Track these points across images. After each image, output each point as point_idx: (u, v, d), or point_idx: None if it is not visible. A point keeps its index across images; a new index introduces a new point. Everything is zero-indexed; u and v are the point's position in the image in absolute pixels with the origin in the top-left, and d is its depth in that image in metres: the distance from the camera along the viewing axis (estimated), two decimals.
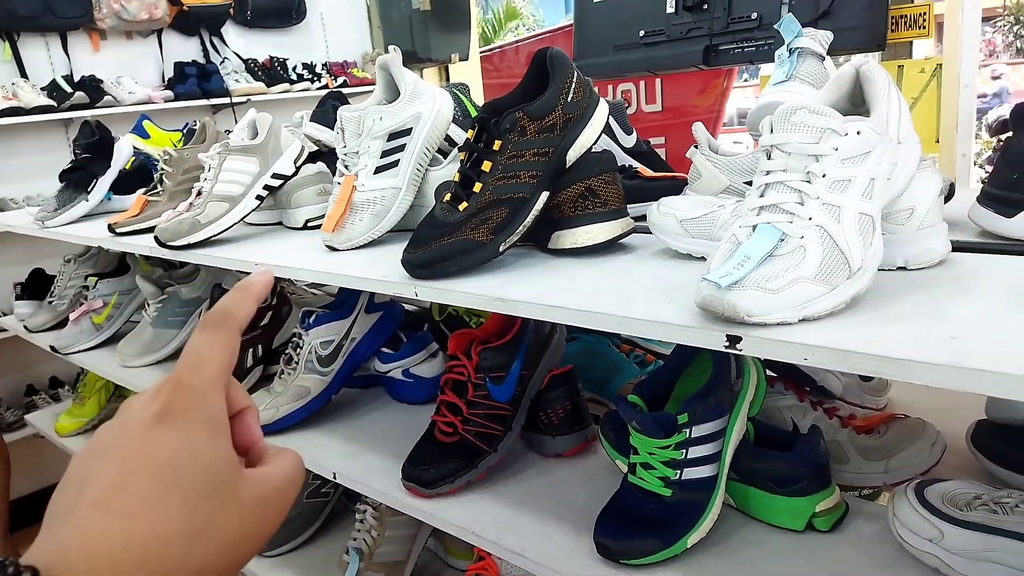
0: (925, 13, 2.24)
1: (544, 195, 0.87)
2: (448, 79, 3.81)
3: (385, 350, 1.25)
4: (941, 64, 2.21)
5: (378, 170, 1.06)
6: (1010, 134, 0.77)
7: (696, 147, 0.95)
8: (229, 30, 3.33)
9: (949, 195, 0.85)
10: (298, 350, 1.19)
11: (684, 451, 0.80)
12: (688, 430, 0.80)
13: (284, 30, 3.45)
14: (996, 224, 0.76)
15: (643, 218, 0.88)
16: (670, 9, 2.57)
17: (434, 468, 0.96)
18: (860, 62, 0.68)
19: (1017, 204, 0.74)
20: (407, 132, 1.08)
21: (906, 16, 2.22)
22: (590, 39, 2.75)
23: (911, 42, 2.31)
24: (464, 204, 0.86)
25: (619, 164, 1.16)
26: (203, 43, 3.26)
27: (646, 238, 0.93)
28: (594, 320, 0.68)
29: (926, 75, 2.21)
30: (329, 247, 1.03)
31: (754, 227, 0.63)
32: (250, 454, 0.36)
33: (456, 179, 0.89)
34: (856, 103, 0.70)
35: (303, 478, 0.36)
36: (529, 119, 0.86)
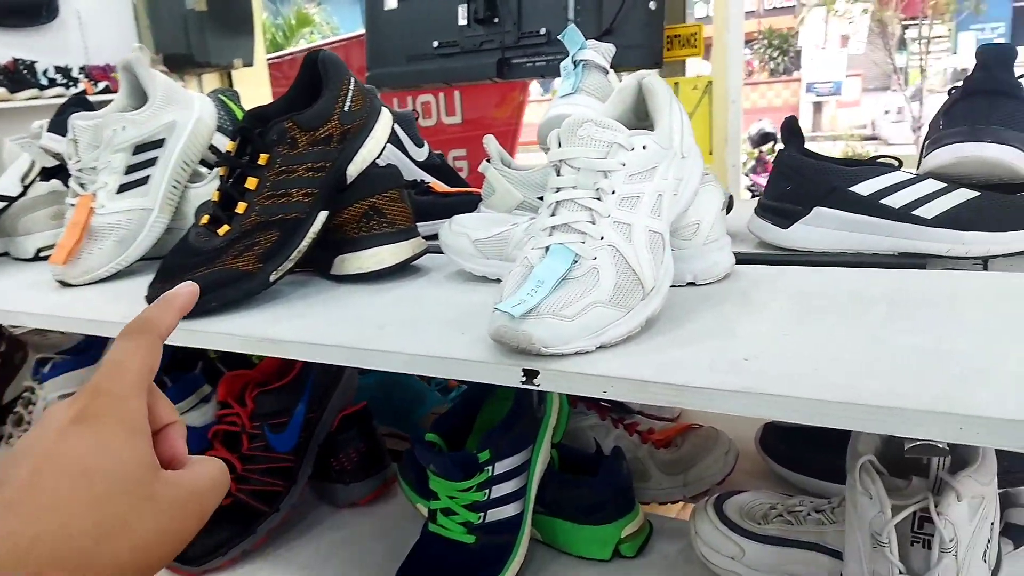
0: (696, 33, 2.39)
1: (322, 215, 0.77)
2: (232, 86, 3.55)
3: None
4: (711, 82, 2.38)
5: (122, 188, 0.91)
6: (780, 147, 0.79)
7: (488, 161, 0.90)
8: None
9: (728, 208, 0.86)
10: (30, 407, 0.99)
11: (487, 491, 0.74)
12: (490, 468, 0.74)
13: (32, 29, 3.02)
14: (774, 235, 0.78)
15: (437, 237, 0.82)
16: (462, 21, 2.55)
17: (201, 540, 0.83)
18: (642, 75, 0.66)
19: (791, 215, 0.76)
20: (159, 143, 0.93)
21: (680, 36, 2.36)
22: (383, 48, 2.66)
23: (684, 60, 2.47)
24: (225, 228, 0.74)
25: (410, 179, 1.09)
26: None
27: (439, 259, 0.86)
28: (377, 360, 0.60)
29: (699, 92, 2.36)
30: (61, 282, 0.86)
31: (547, 248, 0.58)
32: (172, 468, 0.35)
33: (215, 198, 0.77)
34: (640, 116, 0.68)
35: (226, 485, 0.36)
36: (300, 130, 0.76)
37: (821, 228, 0.75)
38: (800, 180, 0.76)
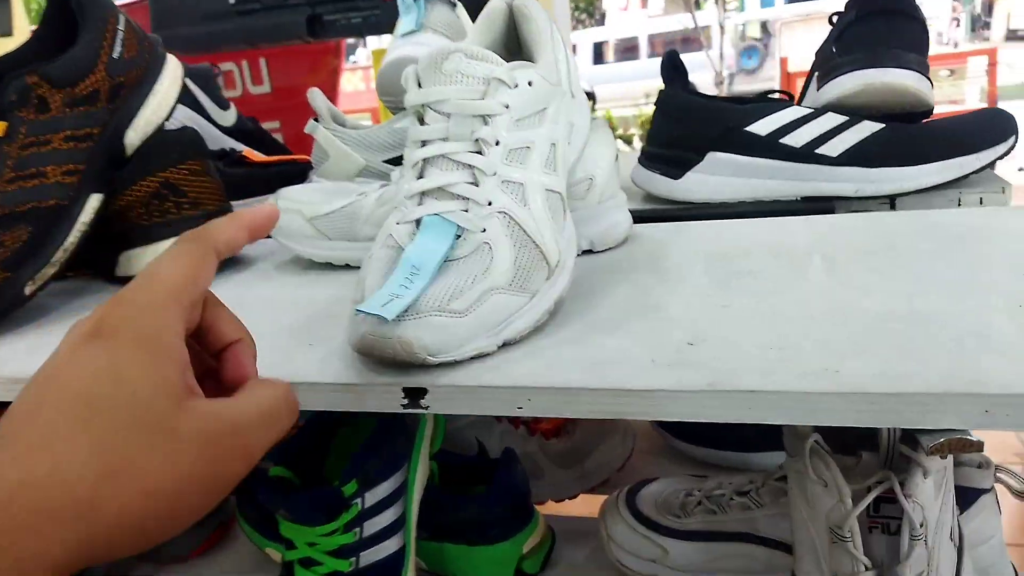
0: None
1: (94, 199, 0.58)
2: None
3: None
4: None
5: None
6: (661, 87, 0.69)
7: (316, 120, 0.73)
8: None
9: None
10: None
11: (358, 530, 0.59)
12: (359, 501, 0.59)
13: None
14: (665, 187, 0.68)
15: None
16: None
17: None
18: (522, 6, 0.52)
19: (682, 163, 0.66)
20: None
21: None
22: (171, 6, 2.32)
23: None
24: None
25: (216, 148, 0.89)
26: None
27: (266, 245, 0.69)
28: None
29: None
30: None
31: (417, 222, 0.44)
32: (234, 392, 0.30)
33: None
34: (512, 51, 0.55)
35: (289, 415, 0.31)
36: (51, 85, 0.56)
37: (716, 176, 0.66)
38: (689, 122, 0.66)
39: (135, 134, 0.60)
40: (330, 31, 2.30)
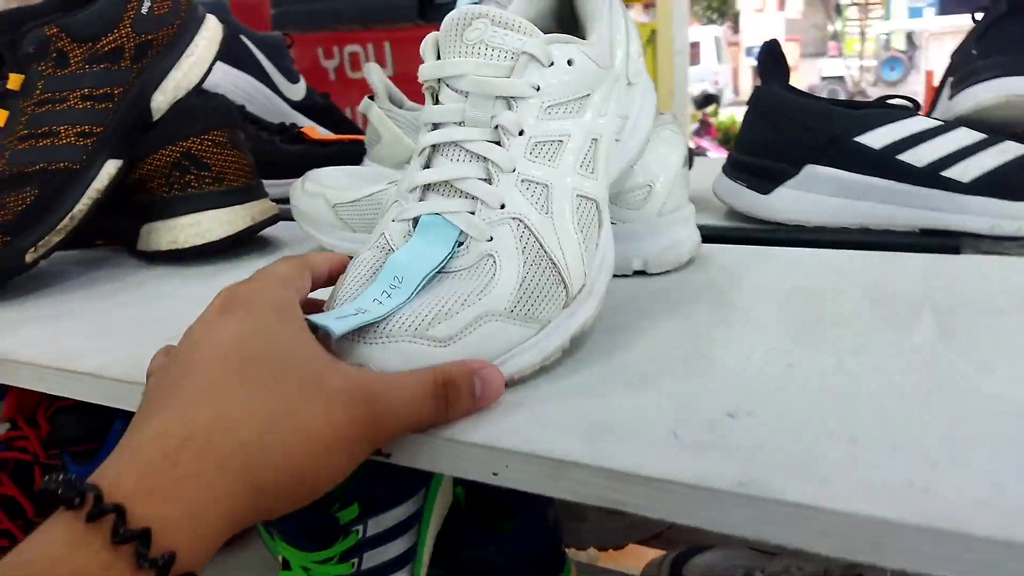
0: None
1: (111, 165, 0.53)
2: None
3: None
4: (655, 30, 2.17)
5: None
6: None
7: (371, 98, 0.67)
8: None
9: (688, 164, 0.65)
10: None
11: (356, 561, 0.53)
12: (359, 528, 0.52)
13: None
14: (750, 202, 0.57)
15: None
16: None
17: None
18: None
19: (774, 175, 0.56)
20: None
21: None
22: None
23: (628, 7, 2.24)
24: None
25: (278, 122, 0.85)
26: None
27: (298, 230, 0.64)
28: (129, 398, 0.37)
29: (642, 41, 2.15)
30: None
31: (414, 222, 0.36)
32: None
33: None
34: (565, 24, 0.46)
35: (433, 406, 0.29)
36: (71, 39, 0.52)
37: (813, 193, 0.55)
38: (786, 126, 0.55)
39: (163, 98, 0.56)
40: (441, 15, 2.26)
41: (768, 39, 0.57)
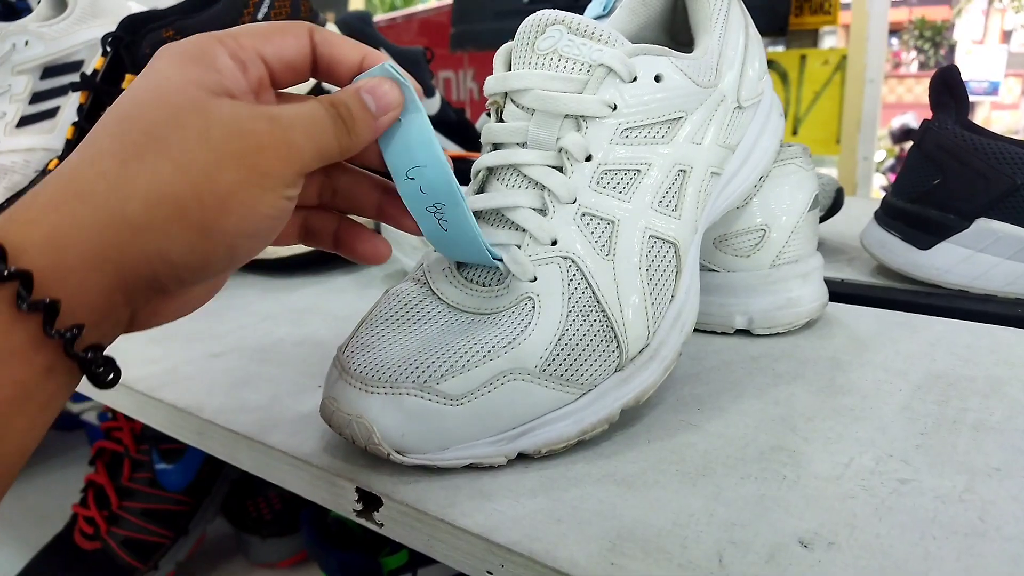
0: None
1: None
2: None
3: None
4: (846, 56, 1.99)
5: (24, 121, 0.70)
6: (927, 119, 0.48)
7: (488, 114, 0.64)
8: None
9: (834, 207, 0.56)
10: None
11: None
12: None
13: None
14: (903, 258, 0.47)
15: None
16: None
17: None
18: None
19: (936, 227, 0.45)
20: (75, 66, 0.72)
21: (810, 0, 1.99)
22: (470, 4, 2.41)
23: (816, 32, 2.08)
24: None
25: None
26: None
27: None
28: (153, 415, 0.35)
29: (830, 67, 1.98)
30: None
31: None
32: None
33: (69, 136, 0.54)
34: (680, 39, 0.40)
35: (334, 130, 0.25)
36: None
37: (985, 254, 0.44)
38: (957, 171, 0.45)
39: None
40: None
41: (946, 65, 0.46)
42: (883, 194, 0.51)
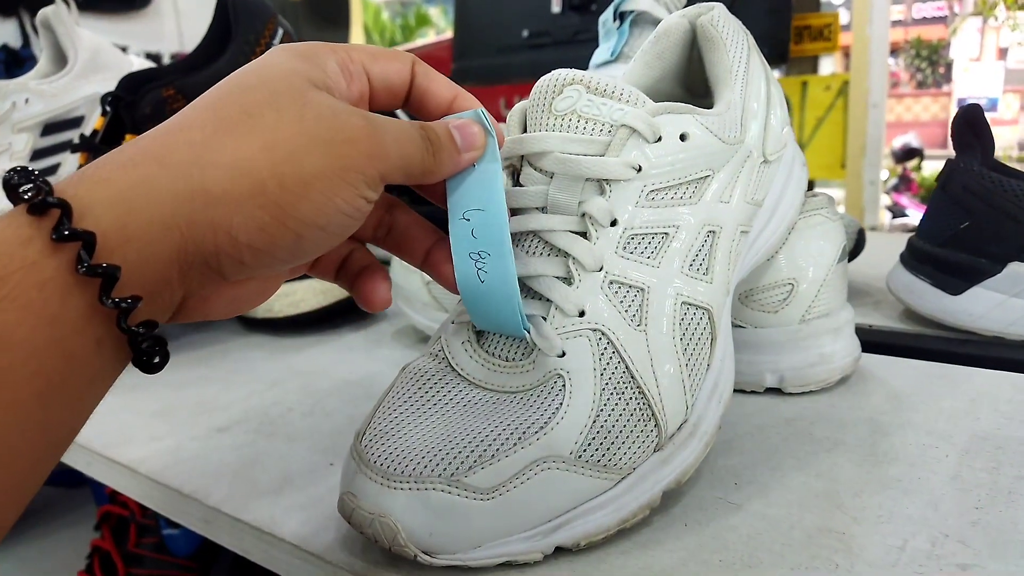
0: (831, 25, 2.01)
1: None
2: None
3: None
4: (848, 81, 1.99)
5: None
6: (951, 157, 0.47)
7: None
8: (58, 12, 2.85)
9: (856, 248, 0.54)
10: None
11: None
12: None
13: (126, 15, 2.98)
14: (934, 304, 0.46)
15: None
16: (556, 8, 2.28)
17: None
18: (701, 9, 0.36)
19: (967, 272, 0.44)
20: (75, 122, 0.71)
21: (810, 27, 1.98)
22: (470, 39, 2.42)
23: (816, 58, 2.09)
24: None
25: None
26: (22, 25, 2.77)
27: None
28: (182, 511, 0.34)
29: (831, 93, 1.98)
30: None
31: (475, 327, 0.30)
32: None
33: None
34: (695, 90, 0.38)
35: (423, 149, 0.25)
36: (187, 100, 0.51)
37: (1021, 299, 0.42)
38: (985, 213, 0.43)
39: None
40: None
41: (968, 104, 0.45)
42: (888, 216, 0.50)
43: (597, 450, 0.26)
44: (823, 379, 0.38)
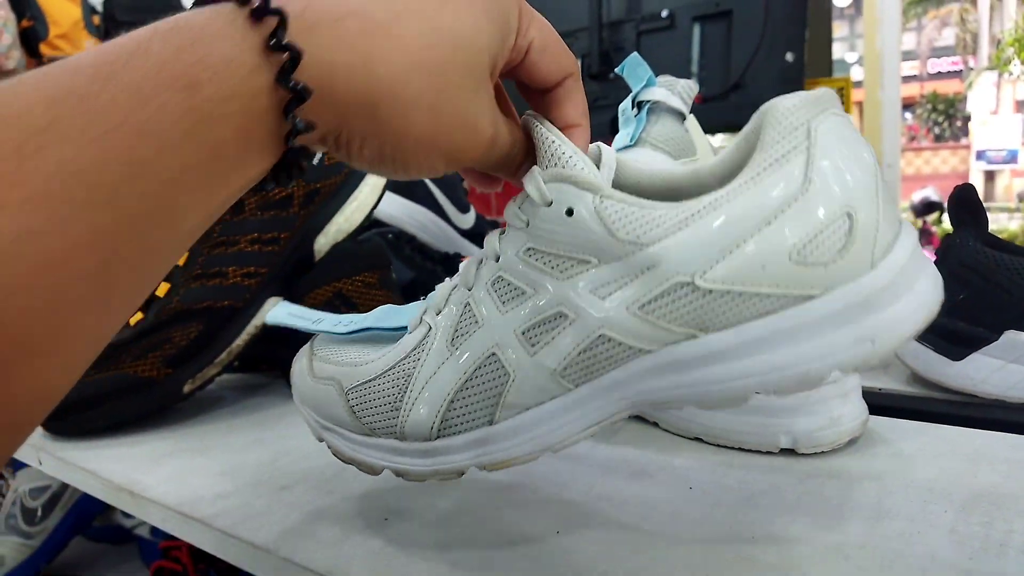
0: (843, 88, 2.08)
1: (271, 303, 0.57)
2: None
3: None
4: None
5: None
6: (947, 231, 0.51)
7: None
8: None
9: None
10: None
11: None
12: None
13: None
14: (938, 370, 0.49)
15: None
16: None
17: None
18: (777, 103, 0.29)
19: (966, 339, 0.47)
20: None
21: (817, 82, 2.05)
22: None
23: None
24: (138, 315, 0.56)
25: (446, 251, 0.88)
26: None
27: None
28: (254, 562, 0.37)
29: None
30: None
31: None
32: None
33: None
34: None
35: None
36: None
37: (1018, 364, 0.46)
38: (980, 286, 0.47)
39: (325, 240, 0.59)
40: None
41: (958, 185, 0.49)
42: None
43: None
44: (833, 440, 0.41)
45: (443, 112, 0.25)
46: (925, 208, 5.22)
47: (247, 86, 0.22)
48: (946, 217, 0.50)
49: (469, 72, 0.26)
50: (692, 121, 0.61)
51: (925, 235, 4.81)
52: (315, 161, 0.59)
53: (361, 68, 0.24)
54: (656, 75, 0.59)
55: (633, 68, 0.60)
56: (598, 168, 0.30)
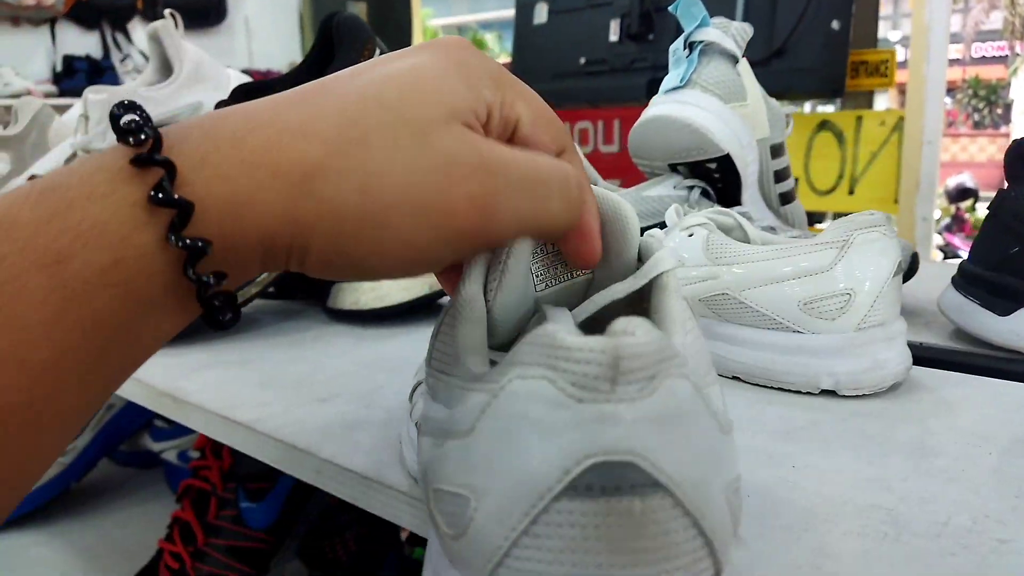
0: (888, 61, 2.02)
1: None
2: None
3: (159, 423, 0.93)
4: (903, 117, 2.00)
5: None
6: (979, 220, 0.50)
7: None
8: (136, 26, 3.01)
9: (911, 270, 0.57)
10: None
11: None
12: None
13: (202, 31, 3.14)
14: (983, 324, 0.48)
15: None
16: (613, 37, 2.33)
17: None
18: None
19: (1017, 294, 0.46)
20: None
21: (867, 62, 2.00)
22: (529, 65, 2.49)
23: (871, 93, 2.10)
24: None
25: None
26: (103, 38, 2.93)
27: None
28: (282, 457, 0.38)
29: (886, 128, 1.99)
30: None
31: None
32: None
33: None
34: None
35: (562, 199, 0.23)
36: None
37: None
38: None
39: None
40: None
41: (1017, 139, 0.48)
42: (939, 252, 0.52)
43: None
44: (876, 384, 0.41)
45: (382, 186, 0.21)
46: (960, 194, 5.12)
47: (130, 250, 0.19)
48: (980, 205, 0.49)
49: (405, 125, 0.22)
50: (744, 65, 0.60)
51: (958, 221, 4.73)
52: None
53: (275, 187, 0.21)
54: None
55: (687, 7, 0.59)
56: None
